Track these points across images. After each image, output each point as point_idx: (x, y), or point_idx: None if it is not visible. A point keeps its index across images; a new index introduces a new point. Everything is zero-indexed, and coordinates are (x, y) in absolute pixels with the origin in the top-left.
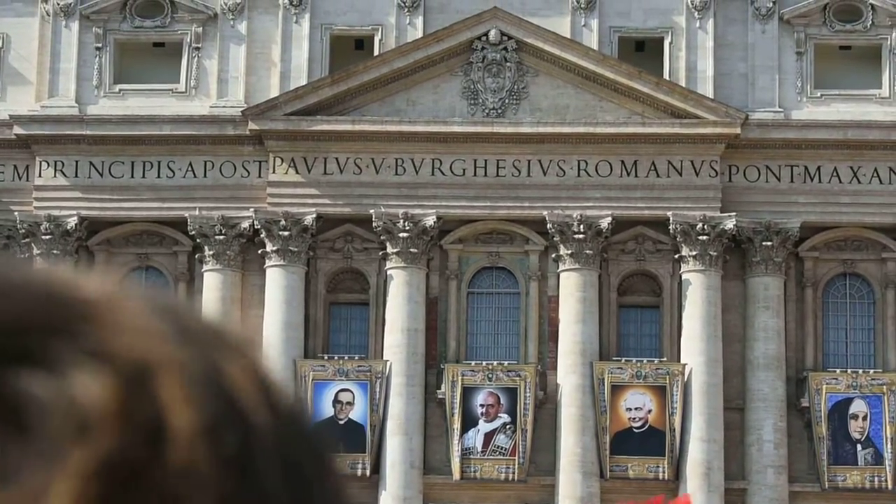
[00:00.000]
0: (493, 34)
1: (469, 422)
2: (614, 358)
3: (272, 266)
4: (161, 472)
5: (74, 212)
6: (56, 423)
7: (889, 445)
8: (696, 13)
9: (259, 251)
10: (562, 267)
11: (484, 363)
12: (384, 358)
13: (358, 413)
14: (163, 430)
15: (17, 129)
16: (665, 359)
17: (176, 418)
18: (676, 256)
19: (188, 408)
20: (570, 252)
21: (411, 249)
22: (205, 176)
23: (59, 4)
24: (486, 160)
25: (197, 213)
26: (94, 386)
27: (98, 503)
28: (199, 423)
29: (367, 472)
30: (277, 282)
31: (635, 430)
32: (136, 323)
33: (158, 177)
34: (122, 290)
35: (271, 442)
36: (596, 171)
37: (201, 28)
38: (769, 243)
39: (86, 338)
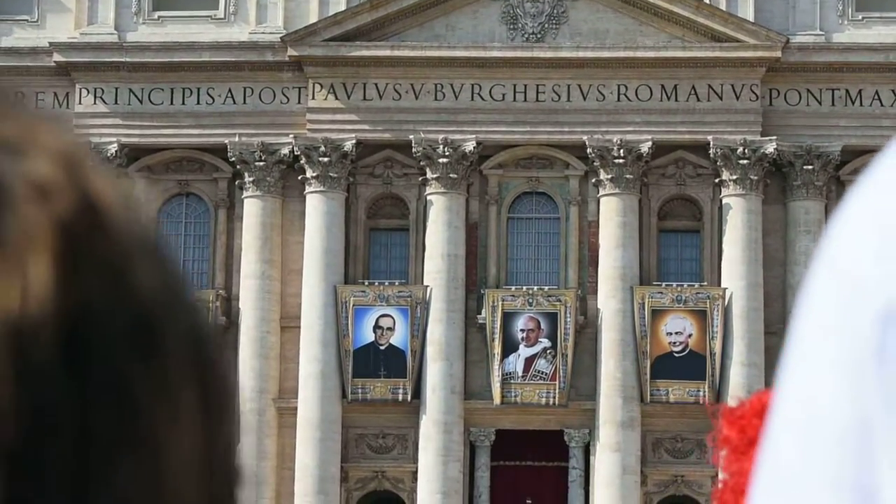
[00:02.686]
0: None
1: (509, 347)
2: (654, 283)
3: (312, 192)
4: (105, 239)
5: (114, 139)
6: (21, 191)
7: None
8: None
9: (299, 177)
10: (602, 192)
11: (524, 288)
12: (424, 283)
13: (398, 338)
14: (98, 205)
15: (57, 57)
16: (705, 283)
17: (106, 197)
18: (717, 181)
19: (111, 190)
20: (610, 177)
21: (451, 175)
22: (244, 102)
23: None
24: (525, 85)
25: (237, 139)
26: (43, 164)
27: (68, 260)
28: (125, 206)
29: (409, 398)
30: (317, 208)
31: (675, 355)
32: (40, 118)
33: (198, 103)
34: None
35: (148, 233)
36: (636, 95)
37: None
38: (810, 167)
39: (19, 126)
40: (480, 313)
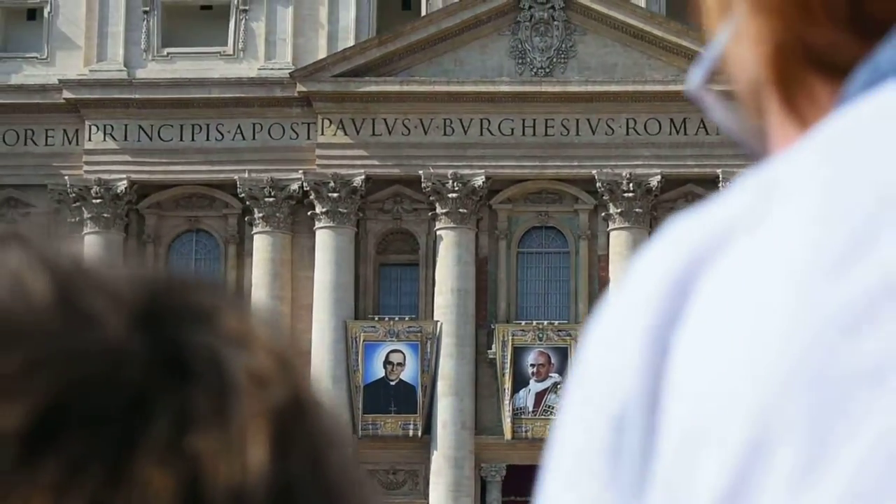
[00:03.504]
0: None
1: (520, 382)
2: None
3: (322, 227)
4: (308, 426)
5: (124, 175)
6: (245, 380)
7: None
8: None
9: (308, 213)
10: (611, 226)
11: (534, 323)
12: (434, 318)
13: (409, 374)
14: (303, 396)
15: (67, 94)
16: None
17: (308, 391)
18: None
19: (312, 385)
20: (619, 211)
21: (460, 210)
22: (254, 138)
23: None
24: (534, 119)
25: (246, 175)
26: (262, 358)
27: (280, 441)
28: (322, 400)
29: (419, 433)
30: (327, 243)
31: None
32: (262, 319)
33: (207, 139)
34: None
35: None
36: (645, 129)
37: None
38: None
39: (243, 324)
40: (491, 348)
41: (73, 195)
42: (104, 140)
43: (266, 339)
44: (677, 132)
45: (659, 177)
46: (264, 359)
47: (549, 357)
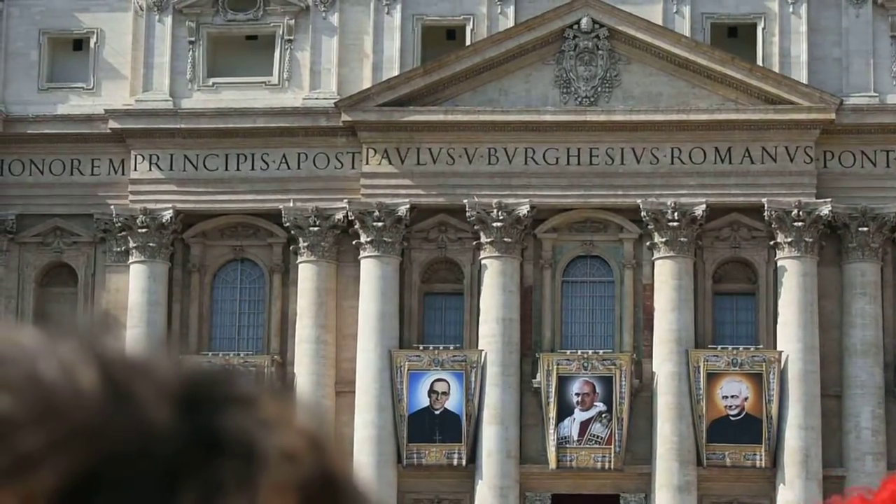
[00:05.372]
0: (584, 22)
1: (565, 411)
2: (710, 346)
3: (366, 257)
4: (338, 499)
5: (170, 205)
6: (275, 455)
7: None
8: None
9: (353, 242)
10: (656, 255)
11: (579, 352)
12: (479, 348)
13: (453, 403)
14: (332, 473)
15: (113, 124)
16: (761, 346)
17: (340, 468)
18: (772, 243)
19: (344, 463)
20: (664, 240)
21: (505, 239)
22: (298, 168)
23: None
24: (579, 149)
25: (291, 204)
26: (291, 437)
27: None
28: (351, 476)
29: (464, 462)
30: (372, 272)
31: (732, 418)
32: (291, 404)
33: (252, 169)
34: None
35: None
36: (690, 158)
37: (293, 20)
38: (865, 229)
39: (273, 408)
40: (535, 377)
41: (119, 225)
42: (150, 170)
43: (299, 421)
44: (722, 161)
45: (704, 206)
46: (295, 438)
47: (594, 386)
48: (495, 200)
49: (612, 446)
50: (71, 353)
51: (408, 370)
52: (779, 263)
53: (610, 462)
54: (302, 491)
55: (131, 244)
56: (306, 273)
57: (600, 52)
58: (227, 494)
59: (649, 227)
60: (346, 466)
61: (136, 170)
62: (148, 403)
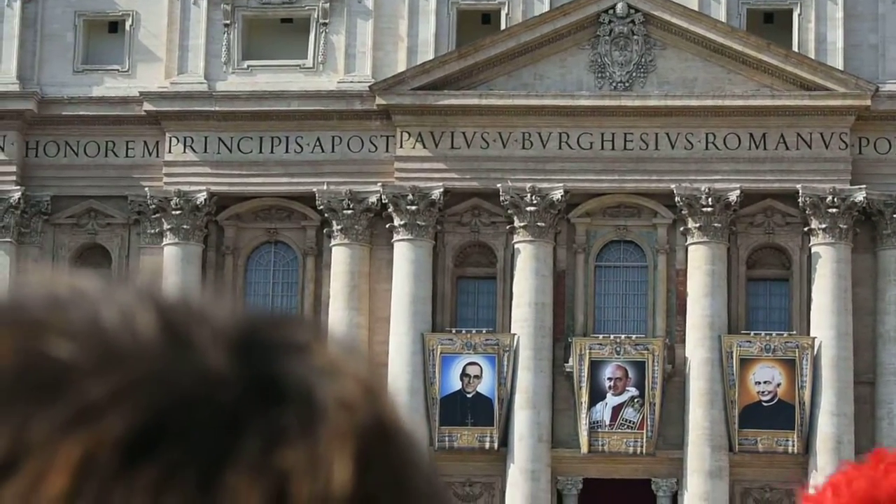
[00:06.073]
0: (620, 7)
1: (597, 395)
2: (743, 331)
3: (400, 240)
4: (392, 448)
5: (204, 187)
6: (332, 404)
7: None
8: None
9: (387, 225)
10: (690, 240)
11: (612, 336)
12: (512, 331)
13: (486, 386)
14: (386, 422)
15: (148, 106)
16: (794, 332)
17: (392, 416)
18: (806, 229)
19: (396, 411)
20: (698, 225)
21: (538, 223)
22: (332, 151)
23: None
24: (613, 133)
25: (325, 187)
26: (347, 385)
27: (362, 461)
28: (405, 425)
29: (496, 446)
30: (405, 256)
31: (764, 404)
32: (348, 350)
33: (286, 152)
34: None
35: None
36: (724, 143)
37: (328, 3)
38: None
39: (330, 354)
40: (568, 361)
41: (153, 207)
42: (184, 152)
43: (353, 369)
44: (756, 147)
45: (738, 191)
46: (351, 386)
47: (627, 371)
48: (529, 185)
49: (644, 431)
50: (129, 299)
51: (440, 353)
52: (813, 250)
53: (642, 447)
54: (359, 439)
55: (165, 226)
56: (339, 256)
57: (635, 37)
58: (289, 442)
59: (683, 212)
60: (398, 415)
61: (170, 152)
62: (207, 349)
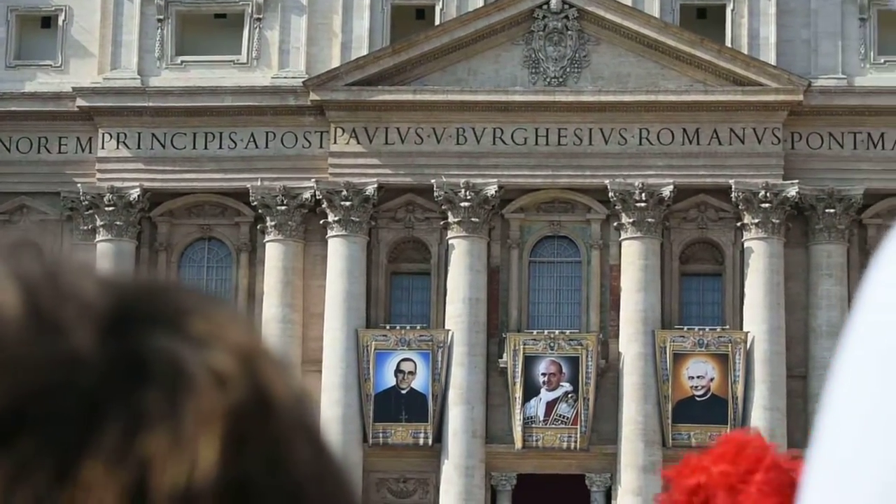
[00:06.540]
0: (554, 3)
1: (531, 391)
2: (676, 326)
3: (334, 236)
4: (271, 424)
5: (137, 183)
6: (203, 379)
7: None
8: None
9: (321, 221)
10: (623, 235)
11: (546, 332)
12: (446, 327)
13: (420, 383)
14: (269, 394)
15: (80, 102)
16: (727, 327)
17: (276, 387)
18: (738, 224)
19: (281, 381)
20: (631, 220)
21: (472, 219)
22: (266, 147)
23: None
24: (547, 129)
25: (259, 183)
26: (223, 356)
27: (234, 440)
28: (291, 395)
29: (430, 442)
30: (339, 252)
31: (697, 399)
32: (232, 318)
33: (220, 148)
34: (212, 296)
35: (313, 418)
36: (658, 139)
37: None
38: (832, 210)
39: (207, 323)
40: (502, 357)
41: (86, 203)
42: (117, 148)
43: (233, 339)
44: (690, 142)
45: (671, 187)
46: (225, 358)
47: (560, 366)
48: (463, 180)
49: (578, 426)
50: None
51: (374, 350)
52: (745, 245)
53: (575, 442)
54: (232, 416)
55: (98, 222)
56: (273, 252)
57: (569, 32)
58: (151, 426)
59: (617, 207)
60: (286, 388)
61: (103, 148)
62: (72, 328)
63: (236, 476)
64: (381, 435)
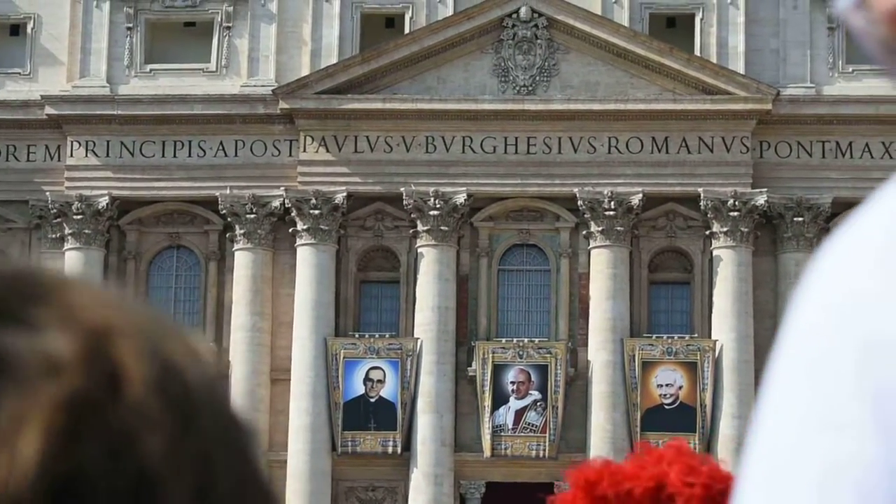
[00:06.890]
0: (523, 11)
1: (500, 399)
2: (645, 335)
3: (303, 245)
4: (117, 411)
5: (106, 191)
6: (31, 367)
7: None
8: None
9: (290, 230)
10: (592, 244)
11: (515, 340)
12: (415, 336)
13: (389, 391)
14: (119, 377)
15: (49, 110)
16: (696, 335)
17: (129, 369)
18: (707, 233)
19: (139, 362)
20: (600, 229)
21: (442, 227)
22: (235, 155)
23: None
24: (516, 137)
25: (228, 192)
26: (62, 340)
27: (63, 432)
28: (148, 375)
29: (399, 450)
30: (308, 260)
31: (666, 407)
32: (94, 298)
33: (189, 156)
34: (79, 276)
35: (202, 399)
36: (627, 147)
37: (232, 7)
38: (800, 219)
39: (53, 306)
40: (471, 365)
41: (55, 211)
42: (86, 156)
43: (86, 321)
44: (659, 151)
45: (640, 195)
46: (67, 344)
47: (529, 374)
48: (432, 189)
49: (547, 434)
50: None
51: (343, 358)
52: (714, 253)
53: (544, 450)
54: (64, 407)
55: (66, 231)
56: (242, 260)
57: (539, 41)
58: None
59: (586, 216)
60: (150, 370)
61: (72, 156)
62: None
63: (67, 471)
64: (349, 443)
